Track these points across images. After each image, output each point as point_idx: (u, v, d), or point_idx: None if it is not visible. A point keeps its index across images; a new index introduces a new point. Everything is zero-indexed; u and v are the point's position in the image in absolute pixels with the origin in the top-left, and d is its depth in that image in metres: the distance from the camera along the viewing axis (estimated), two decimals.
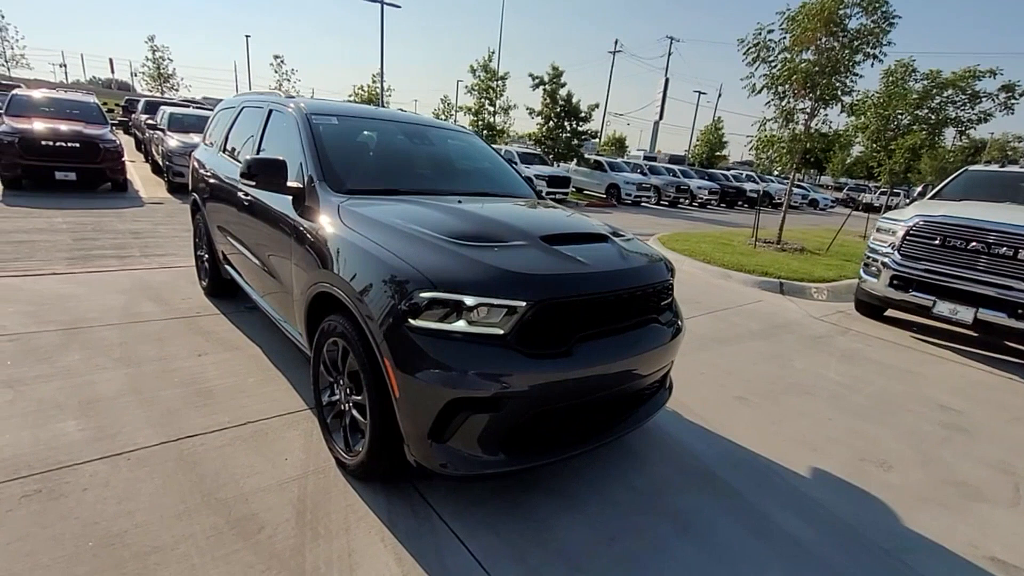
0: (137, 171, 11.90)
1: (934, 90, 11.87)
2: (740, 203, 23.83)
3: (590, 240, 2.50)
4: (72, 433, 2.40)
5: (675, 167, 24.26)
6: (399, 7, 26.59)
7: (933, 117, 12.23)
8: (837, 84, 9.07)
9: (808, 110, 9.43)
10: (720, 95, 53.11)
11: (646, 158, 28.03)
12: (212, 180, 4.06)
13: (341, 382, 2.34)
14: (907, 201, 11.60)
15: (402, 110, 4.61)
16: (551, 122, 18.88)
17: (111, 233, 6.34)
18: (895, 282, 5.26)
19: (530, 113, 19.22)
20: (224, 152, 4.04)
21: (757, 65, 9.38)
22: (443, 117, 25.71)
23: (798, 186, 27.17)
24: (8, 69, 45.32)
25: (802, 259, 8.75)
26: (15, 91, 10.43)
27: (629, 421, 2.39)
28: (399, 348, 1.89)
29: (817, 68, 8.81)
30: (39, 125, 8.46)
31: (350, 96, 28.93)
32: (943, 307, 4.91)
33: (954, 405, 3.79)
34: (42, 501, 1.97)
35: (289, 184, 2.70)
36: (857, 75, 9.08)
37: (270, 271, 3.05)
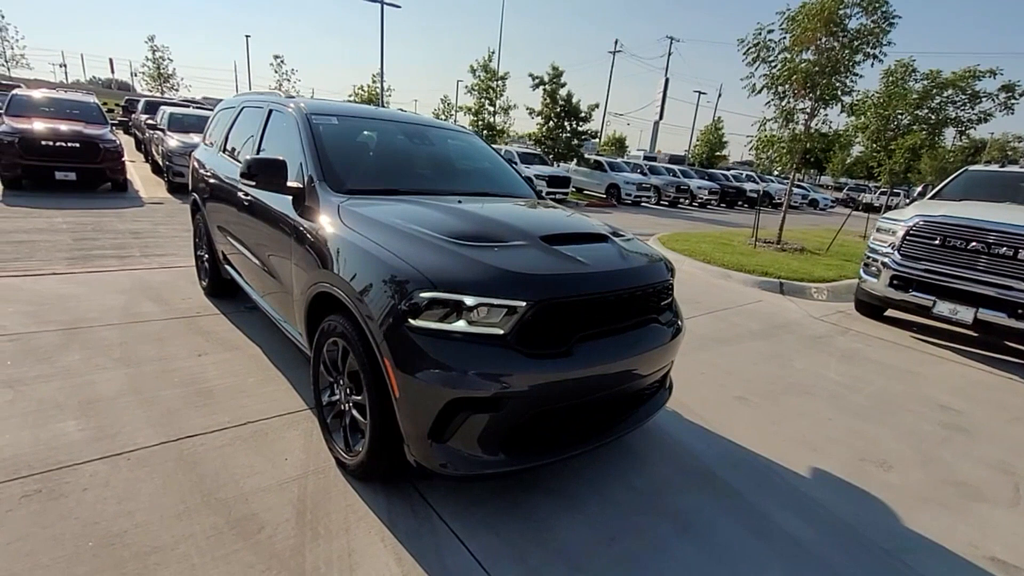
0: (137, 171, 11.90)
1: (934, 90, 11.88)
2: (740, 203, 23.83)
3: (590, 240, 2.50)
4: (72, 433, 2.40)
5: (675, 167, 24.25)
6: (399, 7, 26.60)
7: (933, 117, 12.24)
8: (837, 84, 9.07)
9: (808, 110, 9.43)
10: (720, 95, 53.12)
11: (646, 158, 28.01)
12: (212, 180, 4.06)
13: (341, 382, 2.33)
14: (907, 201, 11.60)
15: (402, 110, 4.61)
16: (551, 122, 18.86)
17: (111, 233, 6.34)
18: (895, 282, 5.26)
19: (530, 113, 19.22)
20: (224, 152, 4.04)
21: (757, 65, 9.38)
22: (443, 117, 25.73)
23: (798, 186, 27.17)
24: (8, 69, 45.34)
25: (802, 259, 8.75)
26: (15, 91, 10.42)
27: (629, 421, 2.39)
28: (399, 348, 1.89)
29: (817, 68, 8.81)
30: (39, 125, 8.46)
31: (350, 96, 28.93)
32: (943, 307, 4.91)
33: (954, 405, 3.79)
34: (42, 501, 1.97)
35: (289, 184, 2.70)
36: (857, 75, 9.09)
37: (270, 271, 3.05)
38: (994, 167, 6.80)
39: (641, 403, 2.51)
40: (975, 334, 5.51)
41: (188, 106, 16.44)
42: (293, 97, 3.56)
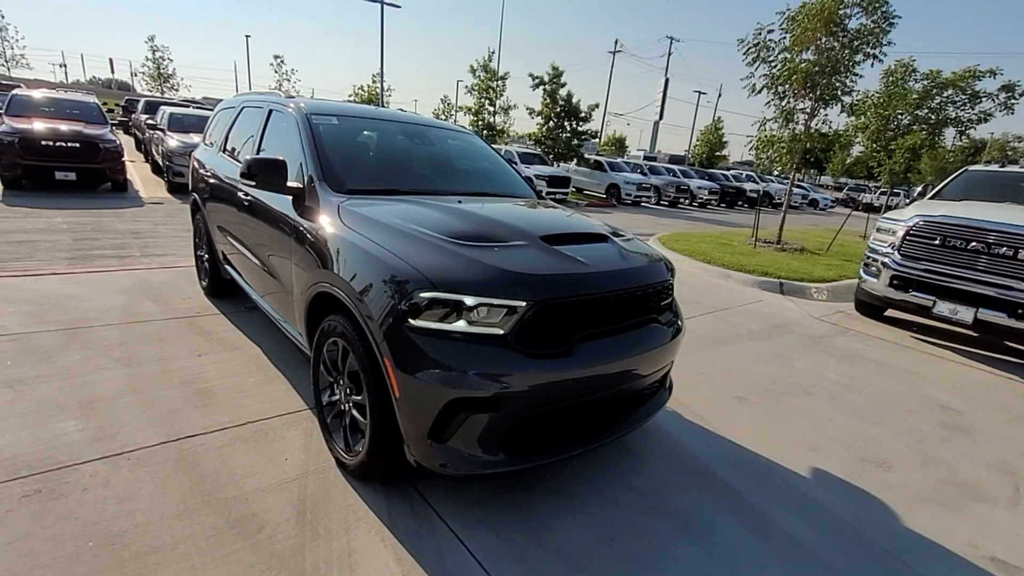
0: (137, 171, 11.90)
1: (934, 90, 11.88)
2: (740, 203, 23.83)
3: (590, 240, 2.50)
4: (72, 433, 2.40)
5: (675, 167, 24.25)
6: (399, 7, 26.60)
7: (933, 117, 12.24)
8: (837, 84, 9.07)
9: (808, 110, 9.43)
10: (720, 95, 53.10)
11: (646, 158, 28.01)
12: (212, 180, 4.06)
13: (341, 382, 2.33)
14: (907, 201, 11.60)
15: (402, 110, 4.61)
16: (551, 122, 18.86)
17: (111, 233, 6.34)
18: (895, 282, 5.26)
19: (530, 113, 19.21)
20: (224, 152, 4.04)
21: (757, 65, 9.38)
22: (443, 117, 25.72)
23: (798, 186, 27.17)
24: (8, 69, 45.34)
25: (802, 259, 8.75)
26: (15, 91, 10.42)
27: (629, 421, 2.39)
28: (399, 348, 1.89)
29: (817, 68, 8.81)
30: (39, 125, 8.46)
31: (350, 96, 28.93)
32: (943, 307, 4.91)
33: (954, 405, 3.79)
34: (42, 501, 1.97)
35: (289, 184, 2.70)
36: (857, 75, 9.09)
37: (270, 271, 3.05)
38: (994, 167, 6.79)
39: (641, 403, 2.50)
40: (975, 334, 5.51)
41: (188, 106, 16.43)
42: (293, 97, 3.56)
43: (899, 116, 12.56)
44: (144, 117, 14.12)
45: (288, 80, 35.31)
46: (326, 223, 2.45)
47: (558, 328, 2.01)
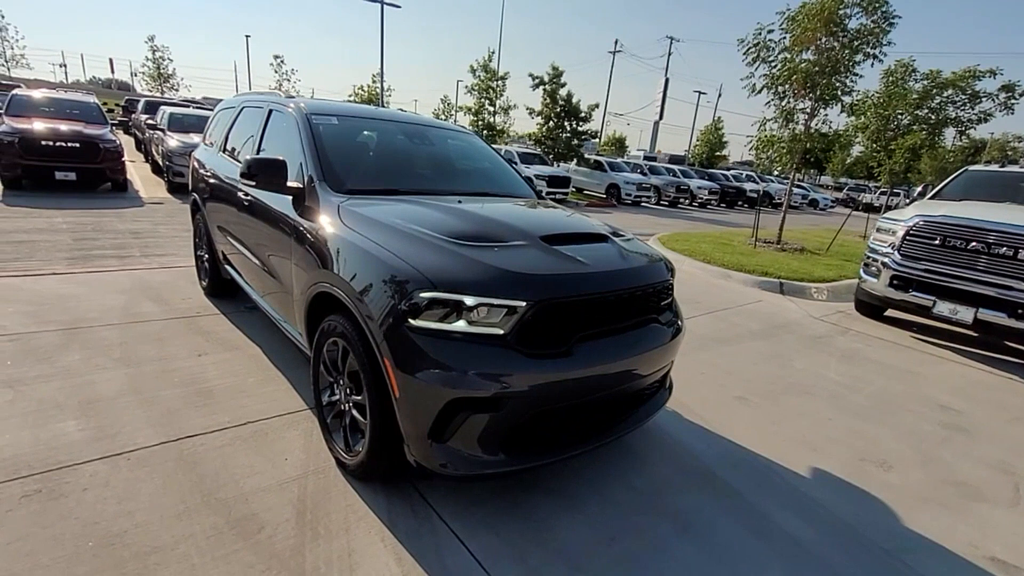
0: (137, 171, 11.90)
1: (934, 90, 11.88)
2: (740, 203, 23.83)
3: (590, 240, 2.50)
4: (72, 433, 2.40)
5: (675, 167, 24.25)
6: (399, 7, 26.61)
7: (933, 117, 12.25)
8: (837, 84, 9.07)
9: (808, 110, 9.43)
10: (720, 95, 53.10)
11: (646, 158, 28.01)
12: (212, 180, 4.06)
13: (341, 382, 2.34)
14: (907, 201, 11.60)
15: (402, 110, 4.61)
16: (551, 122, 18.86)
17: (111, 233, 6.34)
18: (895, 282, 5.26)
19: (530, 113, 19.21)
20: (224, 152, 4.04)
21: (757, 65, 9.39)
22: (443, 117, 25.72)
23: (798, 186, 27.17)
24: (8, 69, 45.35)
25: (802, 259, 8.75)
26: (15, 91, 10.42)
27: (629, 421, 2.39)
28: (399, 348, 1.89)
29: (817, 68, 8.81)
30: (39, 125, 8.46)
31: (350, 96, 28.93)
32: (943, 307, 4.91)
33: (954, 405, 3.79)
34: (42, 501, 1.97)
35: (289, 184, 2.70)
36: (857, 75, 9.09)
37: (270, 271, 3.05)
38: (994, 167, 6.79)
39: (641, 403, 2.51)
40: (975, 334, 5.51)
41: (188, 106, 16.43)
42: (293, 97, 3.56)
43: (899, 116, 12.57)
44: (144, 117, 14.12)
45: (288, 80, 35.37)
46: (326, 223, 2.45)
47: (558, 328, 2.01)
